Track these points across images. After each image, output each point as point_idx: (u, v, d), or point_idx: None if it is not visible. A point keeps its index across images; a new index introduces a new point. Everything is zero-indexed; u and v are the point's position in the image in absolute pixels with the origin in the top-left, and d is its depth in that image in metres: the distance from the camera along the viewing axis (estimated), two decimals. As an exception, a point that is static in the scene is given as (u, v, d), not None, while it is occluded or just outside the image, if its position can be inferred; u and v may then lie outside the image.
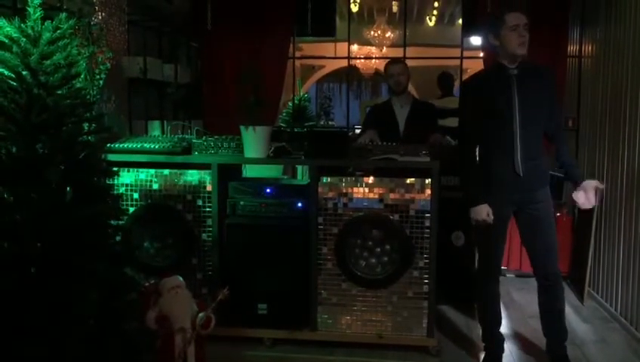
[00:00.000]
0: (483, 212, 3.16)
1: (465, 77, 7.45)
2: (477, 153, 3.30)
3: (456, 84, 7.13)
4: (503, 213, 3.21)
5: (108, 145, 3.56)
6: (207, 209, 3.66)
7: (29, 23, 2.28)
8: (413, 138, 4.25)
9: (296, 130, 4.65)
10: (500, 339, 3.41)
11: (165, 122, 4.90)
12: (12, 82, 2.25)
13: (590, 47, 4.97)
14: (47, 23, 2.31)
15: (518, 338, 3.86)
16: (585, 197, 3.23)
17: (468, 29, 5.89)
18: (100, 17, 3.68)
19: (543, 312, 3.33)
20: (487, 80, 3.25)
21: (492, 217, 3.16)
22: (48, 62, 2.30)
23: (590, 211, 4.51)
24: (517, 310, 4.39)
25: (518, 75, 3.15)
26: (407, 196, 3.53)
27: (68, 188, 2.33)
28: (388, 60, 4.88)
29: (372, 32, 10.31)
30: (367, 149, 3.71)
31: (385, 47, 10.54)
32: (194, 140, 3.79)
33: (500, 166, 3.17)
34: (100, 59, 3.34)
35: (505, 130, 3.14)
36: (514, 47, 3.10)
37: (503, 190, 3.18)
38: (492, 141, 3.20)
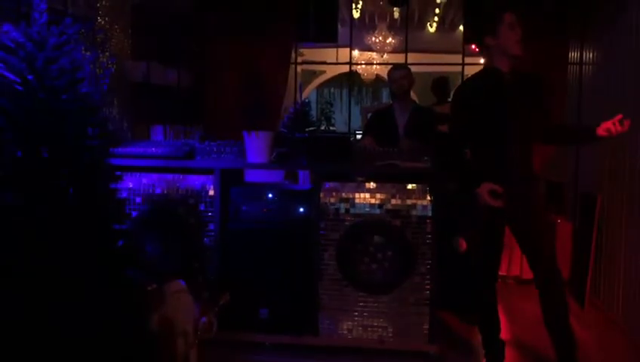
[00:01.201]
0: (484, 193, 3.10)
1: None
2: (464, 156, 3.32)
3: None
4: (497, 219, 3.21)
5: (111, 149, 3.58)
6: (210, 213, 3.67)
7: (34, 28, 2.29)
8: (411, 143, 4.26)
9: (297, 136, 4.66)
10: (500, 346, 3.40)
11: (168, 127, 4.93)
12: (18, 86, 2.26)
13: (591, 54, 4.99)
14: (53, 27, 2.32)
15: (520, 344, 3.86)
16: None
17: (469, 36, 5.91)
18: (103, 22, 3.69)
19: (547, 319, 3.26)
20: (481, 86, 3.24)
21: (499, 197, 3.08)
22: (54, 66, 2.31)
23: (591, 217, 4.52)
24: (518, 316, 4.39)
25: (512, 82, 3.16)
26: (409, 201, 3.54)
27: (72, 192, 2.34)
28: (391, 66, 4.90)
29: (373, 38, 10.35)
30: (368, 155, 3.72)
31: (386, 53, 10.58)
32: (197, 145, 3.80)
33: (493, 173, 3.15)
34: (103, 64, 3.36)
35: (498, 137, 3.15)
36: (513, 45, 3.11)
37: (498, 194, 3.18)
38: (485, 148, 3.21)
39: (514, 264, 5.16)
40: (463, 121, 3.26)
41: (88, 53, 3.19)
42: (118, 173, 2.63)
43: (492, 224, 3.21)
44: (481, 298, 3.39)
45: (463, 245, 4.31)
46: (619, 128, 3.03)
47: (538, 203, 3.25)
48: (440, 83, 6.02)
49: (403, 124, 4.53)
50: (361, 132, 6.75)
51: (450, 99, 6.26)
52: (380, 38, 10.25)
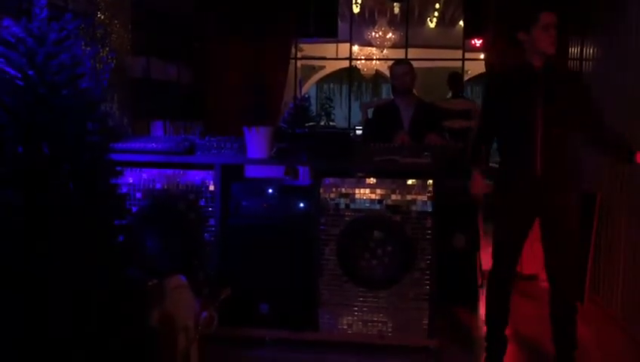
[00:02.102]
0: (474, 183, 3.22)
1: (465, 78, 7.50)
2: (486, 152, 3.33)
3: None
4: (522, 213, 3.20)
5: (112, 144, 3.58)
6: (210, 209, 3.67)
7: (35, 23, 2.29)
8: (417, 139, 4.26)
9: (297, 131, 4.66)
10: (503, 341, 3.39)
11: (168, 122, 4.93)
12: (18, 82, 2.26)
13: (592, 50, 4.99)
14: (53, 23, 2.32)
15: (520, 340, 3.86)
16: None
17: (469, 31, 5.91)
18: (103, 17, 3.69)
19: (553, 318, 3.30)
20: (512, 78, 3.25)
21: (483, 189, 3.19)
22: (54, 62, 2.31)
23: (591, 215, 4.53)
24: (518, 312, 4.36)
25: (544, 74, 3.13)
26: (409, 197, 3.54)
27: (72, 188, 2.34)
28: (393, 61, 4.88)
29: (373, 33, 10.34)
30: (369, 150, 3.72)
31: (386, 49, 10.58)
32: (197, 140, 3.80)
33: (519, 166, 3.16)
34: (104, 59, 3.36)
35: (526, 129, 3.12)
36: (545, 46, 3.10)
37: (522, 190, 3.17)
38: (513, 140, 3.20)
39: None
40: (491, 111, 3.27)
41: (88, 49, 3.18)
42: (119, 168, 2.63)
43: (514, 219, 3.21)
44: (494, 290, 3.38)
45: (463, 242, 4.33)
46: None
47: (564, 201, 3.18)
48: (455, 78, 6.08)
49: (408, 120, 4.51)
50: (360, 127, 6.75)
51: (462, 95, 6.38)
52: (380, 33, 10.25)
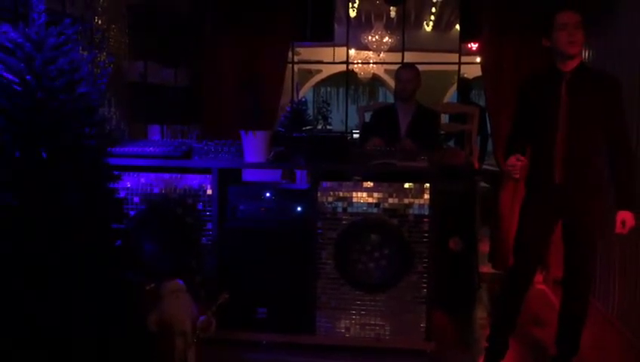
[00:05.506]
0: (511, 159, 3.14)
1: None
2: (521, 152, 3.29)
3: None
4: (542, 217, 3.20)
5: (109, 149, 3.59)
6: (208, 213, 3.68)
7: (33, 29, 2.30)
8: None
9: (295, 135, 4.66)
10: (505, 344, 3.38)
11: (165, 126, 4.93)
12: (16, 87, 2.27)
13: (589, 53, 5.01)
14: (52, 28, 2.33)
15: (518, 344, 3.86)
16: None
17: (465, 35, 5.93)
18: (101, 22, 3.70)
19: (561, 320, 3.33)
20: (539, 81, 3.24)
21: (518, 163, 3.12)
22: (52, 67, 2.32)
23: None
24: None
25: (571, 79, 3.11)
26: (406, 201, 3.55)
27: (70, 192, 2.35)
28: (400, 64, 4.86)
29: (370, 37, 10.36)
30: (366, 154, 3.73)
31: (382, 52, 10.60)
32: (194, 144, 3.81)
33: (541, 171, 3.17)
34: (101, 64, 3.37)
35: (547, 133, 3.12)
36: (563, 45, 3.07)
37: (543, 195, 3.19)
38: (537, 145, 3.20)
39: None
40: (520, 116, 3.27)
41: (86, 54, 3.19)
42: (116, 172, 2.65)
43: (538, 221, 3.21)
44: (509, 290, 3.37)
45: (458, 244, 4.34)
46: (620, 230, 3.15)
47: (584, 209, 3.18)
48: (460, 83, 6.20)
49: (406, 125, 4.51)
50: (357, 131, 6.76)
51: (470, 101, 6.58)
52: (377, 37, 10.27)
